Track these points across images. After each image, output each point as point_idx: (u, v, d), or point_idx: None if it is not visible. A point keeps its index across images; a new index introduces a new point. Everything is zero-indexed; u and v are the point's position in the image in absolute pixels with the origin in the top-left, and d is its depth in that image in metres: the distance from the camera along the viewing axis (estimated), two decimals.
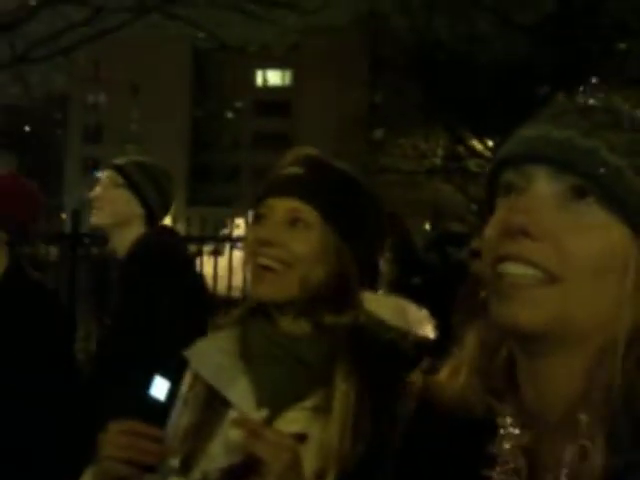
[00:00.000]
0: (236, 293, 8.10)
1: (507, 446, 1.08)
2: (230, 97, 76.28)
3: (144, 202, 3.15)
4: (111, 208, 3.16)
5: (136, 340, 2.84)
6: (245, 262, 1.74)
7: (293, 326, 1.67)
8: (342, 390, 1.55)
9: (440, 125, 35.70)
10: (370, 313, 1.69)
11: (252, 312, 1.74)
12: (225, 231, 13.12)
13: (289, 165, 1.73)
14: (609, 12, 28.19)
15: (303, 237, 1.65)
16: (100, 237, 7.78)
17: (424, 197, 33.70)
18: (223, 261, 8.24)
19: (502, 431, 1.09)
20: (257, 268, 1.66)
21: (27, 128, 74.46)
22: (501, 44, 31.02)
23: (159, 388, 1.44)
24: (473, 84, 30.94)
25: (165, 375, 1.42)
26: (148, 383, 1.68)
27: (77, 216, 7.39)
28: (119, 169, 3.21)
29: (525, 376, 1.11)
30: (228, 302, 7.39)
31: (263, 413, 1.57)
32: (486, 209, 1.15)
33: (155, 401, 1.42)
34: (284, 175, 1.71)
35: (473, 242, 10.23)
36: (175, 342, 2.81)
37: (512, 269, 1.03)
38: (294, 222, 1.66)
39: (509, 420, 1.10)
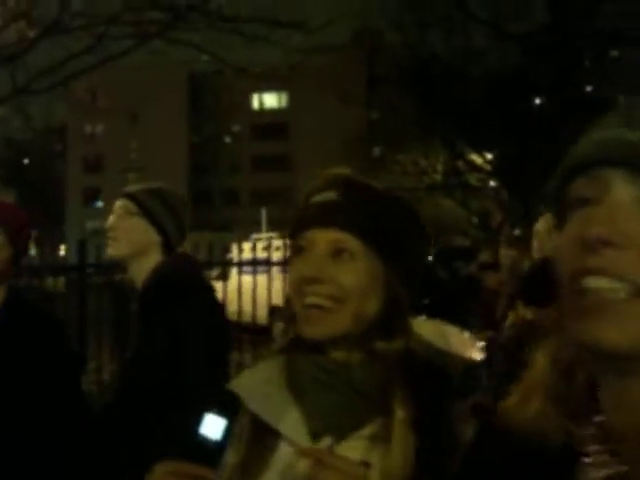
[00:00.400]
0: (246, 317, 8.05)
1: (595, 476, 0.99)
2: (227, 121, 76.43)
3: (160, 229, 3.07)
4: (127, 238, 3.07)
5: (159, 372, 2.77)
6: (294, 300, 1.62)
7: (345, 356, 1.59)
8: (400, 418, 1.47)
9: (438, 140, 35.76)
10: (419, 337, 1.61)
11: (296, 341, 1.64)
12: (229, 255, 13.07)
13: (322, 190, 1.62)
14: (602, 19, 28.20)
15: (350, 269, 1.55)
16: (106, 267, 7.79)
17: (426, 213, 33.36)
18: (230, 285, 8.18)
19: (586, 460, 1.01)
20: (306, 308, 1.56)
21: (26, 160, 74.60)
22: (495, 55, 31.11)
23: (211, 427, 1.36)
24: (469, 97, 30.99)
25: (218, 412, 1.35)
26: (187, 419, 1.61)
27: (83, 246, 7.37)
28: (132, 197, 3.12)
29: (611, 399, 1.02)
30: (238, 327, 7.33)
31: (327, 441, 1.50)
32: (556, 223, 1.07)
33: (206, 440, 1.35)
34: (319, 203, 1.60)
35: (481, 255, 10.22)
36: (199, 371, 2.79)
37: (596, 283, 0.95)
38: (338, 253, 1.56)
39: (594, 448, 1.01)
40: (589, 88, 31.90)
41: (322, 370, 1.57)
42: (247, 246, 11.84)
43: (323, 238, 1.57)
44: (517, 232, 25.42)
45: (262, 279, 8.14)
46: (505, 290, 6.47)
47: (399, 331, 1.58)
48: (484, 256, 9.98)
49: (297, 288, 1.58)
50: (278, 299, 8.06)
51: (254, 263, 8.24)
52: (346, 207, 1.58)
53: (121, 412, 2.88)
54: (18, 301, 3.08)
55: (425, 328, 1.65)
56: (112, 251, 3.10)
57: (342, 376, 1.55)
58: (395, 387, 1.51)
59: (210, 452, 1.34)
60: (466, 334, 1.69)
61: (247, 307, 8.01)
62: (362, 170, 1.78)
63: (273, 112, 77.39)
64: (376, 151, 44.07)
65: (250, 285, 7.98)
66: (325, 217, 1.58)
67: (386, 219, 1.60)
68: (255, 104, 78.82)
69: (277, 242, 10.01)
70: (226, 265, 9.52)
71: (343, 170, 1.67)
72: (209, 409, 1.36)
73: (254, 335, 7.92)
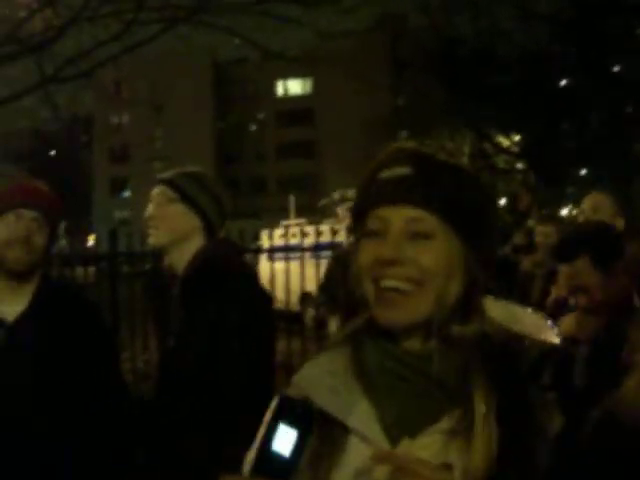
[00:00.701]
0: (278, 305, 7.99)
1: None
2: (252, 109, 76.48)
3: (201, 214, 2.99)
4: (168, 225, 2.98)
5: (200, 358, 2.71)
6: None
7: (420, 344, 1.47)
8: (480, 409, 1.36)
9: (465, 123, 35.62)
10: (492, 320, 1.49)
11: (364, 330, 1.52)
12: (259, 242, 13.05)
13: (391, 165, 1.48)
14: None
15: (430, 249, 1.43)
16: (137, 256, 7.78)
17: None
18: (261, 272, 8.14)
19: None
20: (383, 292, 1.43)
21: (53, 152, 75.11)
22: (522, 36, 30.87)
23: (283, 440, 1.26)
24: (495, 79, 30.86)
25: (291, 424, 1.25)
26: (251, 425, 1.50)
27: (114, 236, 7.36)
28: (170, 183, 3.04)
29: None
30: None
31: (406, 443, 1.39)
32: None
33: (277, 455, 1.25)
34: (391, 179, 1.46)
35: (514, 238, 10.09)
36: (240, 356, 2.72)
37: None
38: (415, 233, 1.43)
39: None
40: (617, 68, 31.59)
41: (396, 359, 1.46)
42: (277, 233, 11.76)
43: (398, 216, 1.44)
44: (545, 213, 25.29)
45: (292, 266, 8.08)
46: (541, 271, 6.36)
47: (475, 315, 1.47)
48: (517, 238, 9.85)
49: (371, 271, 1.45)
50: (310, 285, 8.05)
51: (287, 249, 8.20)
52: (422, 183, 1.45)
53: (165, 400, 2.83)
54: (54, 287, 3.06)
55: (497, 310, 1.53)
56: (154, 240, 3.02)
57: (418, 365, 1.44)
58: (473, 375, 1.41)
59: (282, 466, 1.24)
60: (539, 315, 1.58)
61: (279, 294, 7.96)
62: None
63: (298, 98, 77.28)
64: (402, 135, 43.94)
65: (281, 272, 7.92)
66: (400, 194, 1.45)
67: (464, 195, 1.47)
68: (280, 91, 78.76)
69: (308, 228, 9.96)
70: (259, 252, 9.48)
71: (413, 143, 1.53)
72: (282, 420, 1.26)
73: (287, 322, 7.88)
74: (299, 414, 1.26)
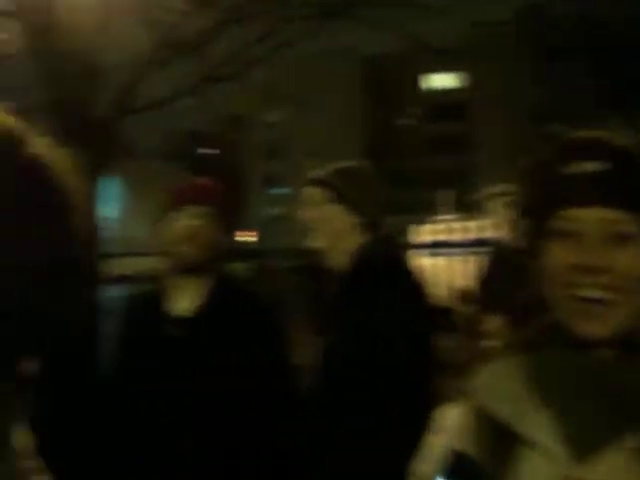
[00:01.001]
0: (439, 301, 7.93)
1: None
2: (402, 103, 76.41)
3: (359, 211, 2.95)
4: (328, 227, 2.94)
5: (361, 356, 2.67)
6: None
7: (609, 353, 1.34)
8: None
9: (617, 114, 34.57)
10: None
11: (546, 335, 1.40)
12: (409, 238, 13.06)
13: (579, 158, 1.34)
14: None
15: (631, 253, 1.30)
16: (291, 252, 7.88)
17: None
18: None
19: None
20: (579, 301, 1.31)
21: (207, 150, 77.24)
22: None
23: None
24: None
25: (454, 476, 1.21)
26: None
27: (268, 232, 7.48)
28: (323, 183, 3.02)
29: None
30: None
31: (588, 460, 1.28)
32: None
33: None
34: (582, 175, 1.32)
35: None
36: (402, 354, 2.68)
37: None
38: (614, 236, 1.30)
39: None
40: None
41: (582, 369, 1.34)
42: (432, 228, 11.72)
43: (595, 218, 1.31)
44: None
45: (444, 261, 8.00)
46: None
47: None
48: None
49: (564, 277, 1.33)
50: (467, 281, 7.93)
51: (449, 245, 8.15)
52: (620, 180, 1.31)
53: (328, 397, 2.81)
54: (229, 282, 3.11)
55: None
56: (315, 243, 2.99)
57: (606, 376, 1.32)
58: None
59: None
60: None
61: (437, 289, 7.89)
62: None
63: (448, 92, 76.68)
64: (555, 128, 43.01)
65: (435, 267, 7.86)
66: (596, 194, 1.31)
67: None
68: (430, 84, 78.33)
69: (469, 224, 9.84)
70: (420, 248, 9.43)
71: (600, 133, 1.38)
72: (454, 477, 1.21)
73: (443, 317, 7.79)
74: (472, 473, 1.21)
